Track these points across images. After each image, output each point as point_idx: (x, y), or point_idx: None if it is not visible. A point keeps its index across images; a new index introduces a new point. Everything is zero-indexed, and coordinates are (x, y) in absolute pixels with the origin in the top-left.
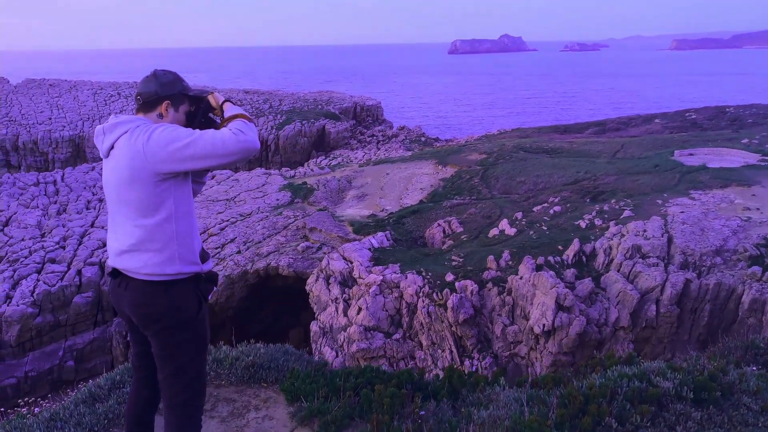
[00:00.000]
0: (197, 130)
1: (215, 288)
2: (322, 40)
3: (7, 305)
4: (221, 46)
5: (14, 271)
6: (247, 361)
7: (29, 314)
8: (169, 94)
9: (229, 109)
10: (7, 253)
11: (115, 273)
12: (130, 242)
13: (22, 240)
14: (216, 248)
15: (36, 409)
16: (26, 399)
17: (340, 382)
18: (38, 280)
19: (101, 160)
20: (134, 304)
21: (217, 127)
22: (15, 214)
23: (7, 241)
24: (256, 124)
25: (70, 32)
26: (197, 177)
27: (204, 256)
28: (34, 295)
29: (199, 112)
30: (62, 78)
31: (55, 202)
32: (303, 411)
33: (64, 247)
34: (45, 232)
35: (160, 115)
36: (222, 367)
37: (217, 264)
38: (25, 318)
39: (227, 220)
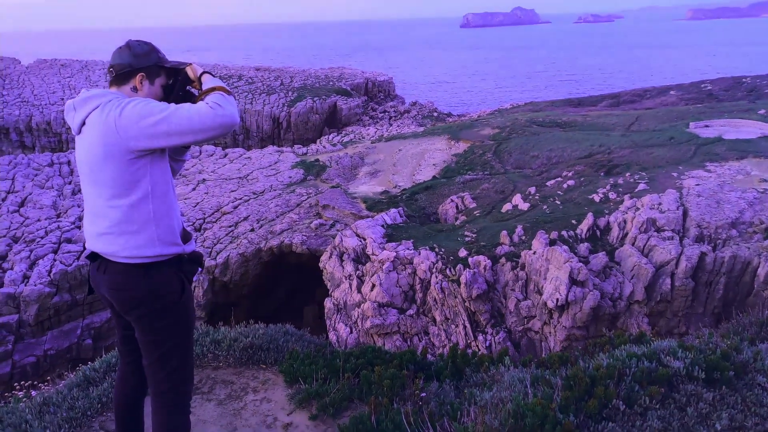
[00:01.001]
0: (172, 104)
1: (200, 269)
2: (332, 16)
3: (25, 285)
4: (232, 23)
5: (31, 251)
6: (245, 342)
7: (47, 294)
8: (143, 66)
9: (208, 82)
10: (23, 234)
11: (93, 256)
12: (105, 224)
13: (38, 220)
14: (229, 226)
15: (33, 392)
16: (22, 382)
17: (339, 363)
18: (55, 260)
19: None
20: (113, 289)
21: (195, 100)
22: (30, 194)
23: (23, 221)
24: (235, 98)
25: (80, 11)
26: (175, 155)
27: (186, 237)
28: (51, 274)
29: (177, 84)
30: (74, 58)
31: (70, 183)
32: (301, 393)
33: (79, 227)
34: (60, 212)
35: (135, 89)
36: (220, 349)
37: (230, 242)
38: (42, 297)
39: (240, 198)
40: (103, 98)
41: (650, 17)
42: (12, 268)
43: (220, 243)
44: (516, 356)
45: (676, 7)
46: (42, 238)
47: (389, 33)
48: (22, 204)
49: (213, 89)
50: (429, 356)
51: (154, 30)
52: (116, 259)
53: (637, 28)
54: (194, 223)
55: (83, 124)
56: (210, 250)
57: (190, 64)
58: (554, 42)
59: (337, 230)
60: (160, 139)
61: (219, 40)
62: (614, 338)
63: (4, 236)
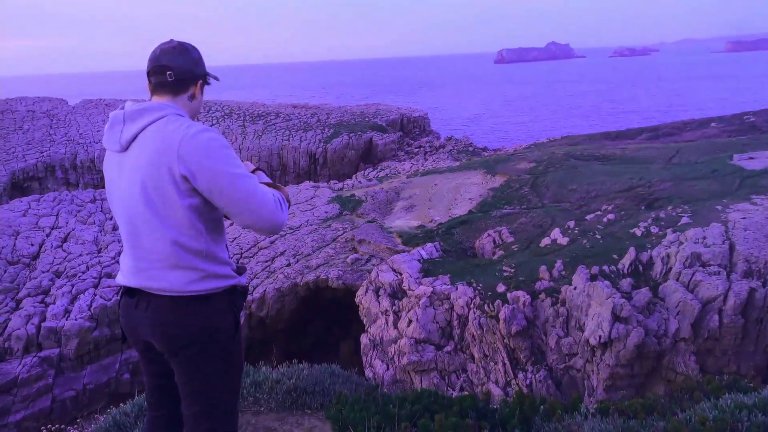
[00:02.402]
0: (244, 166)
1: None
2: (367, 54)
3: (66, 319)
4: (269, 63)
5: (72, 286)
6: (289, 384)
7: (87, 328)
8: (202, 74)
9: (263, 178)
10: (66, 269)
11: (131, 291)
12: (152, 258)
13: (80, 255)
14: (266, 261)
15: None
16: (49, 426)
17: (394, 410)
18: (95, 295)
19: None
20: (160, 326)
21: None
22: (73, 230)
23: (66, 256)
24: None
25: (126, 52)
26: None
27: (240, 269)
28: (92, 309)
29: None
30: (118, 98)
31: (111, 218)
32: None
33: (119, 262)
34: (101, 248)
35: (192, 97)
36: (261, 391)
37: (267, 277)
38: (83, 332)
39: (277, 234)
40: (166, 110)
41: (687, 50)
42: (54, 303)
43: (257, 278)
44: (558, 395)
45: (713, 40)
46: (83, 272)
47: (424, 69)
48: (65, 239)
49: (277, 188)
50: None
51: None
52: (163, 293)
53: (674, 61)
54: (231, 258)
55: (134, 139)
56: (247, 285)
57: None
58: (590, 76)
59: (373, 265)
60: (213, 193)
61: (256, 79)
62: (704, 383)
63: (47, 271)
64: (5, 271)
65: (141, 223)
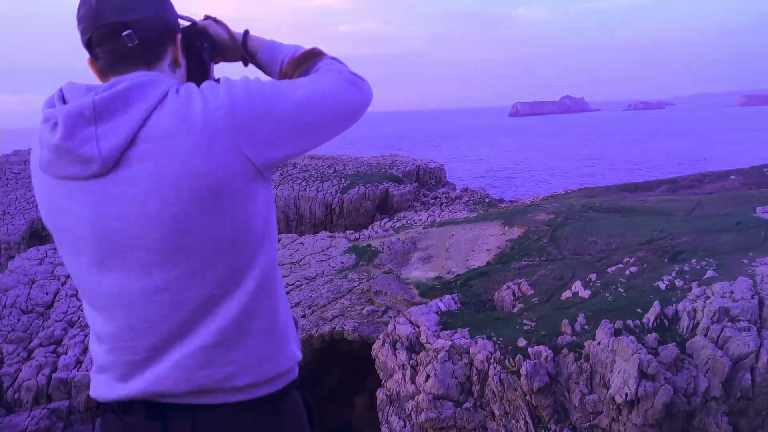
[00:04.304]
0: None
1: None
2: (383, 107)
3: (77, 370)
4: None
5: (85, 335)
6: None
7: None
8: (177, 22)
9: (274, 46)
10: (79, 318)
11: (151, 410)
12: (201, 339)
13: None
14: None
15: None
16: None
17: None
18: None
19: None
20: None
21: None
22: None
23: (80, 306)
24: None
25: None
26: None
27: None
28: None
29: (205, 57)
30: None
31: None
32: None
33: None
34: None
35: (175, 63)
36: None
37: None
38: None
39: (292, 284)
40: (162, 80)
41: (702, 104)
42: (66, 353)
43: None
44: None
45: (727, 94)
46: None
47: (440, 122)
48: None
49: (314, 54)
50: None
51: None
52: (220, 398)
53: (689, 115)
54: None
55: (130, 144)
56: None
57: (212, 17)
58: (605, 129)
59: (390, 317)
60: (306, 136)
61: None
62: None
63: (61, 320)
64: (18, 320)
65: (161, 289)
